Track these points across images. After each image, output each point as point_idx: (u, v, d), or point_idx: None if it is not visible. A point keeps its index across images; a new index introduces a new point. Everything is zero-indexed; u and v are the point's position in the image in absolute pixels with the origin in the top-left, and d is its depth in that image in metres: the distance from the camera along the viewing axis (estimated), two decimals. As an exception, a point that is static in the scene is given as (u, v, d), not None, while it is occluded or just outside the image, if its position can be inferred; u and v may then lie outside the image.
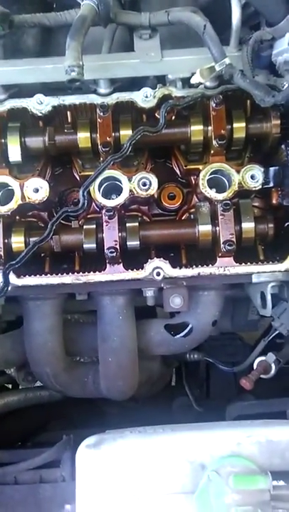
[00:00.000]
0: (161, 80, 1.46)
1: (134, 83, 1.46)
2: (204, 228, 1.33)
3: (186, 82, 1.41)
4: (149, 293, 1.47)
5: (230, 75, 1.28)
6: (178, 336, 1.57)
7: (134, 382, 1.60)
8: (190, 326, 1.55)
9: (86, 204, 1.30)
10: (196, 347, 1.80)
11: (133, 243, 1.33)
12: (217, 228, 1.33)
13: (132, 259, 1.37)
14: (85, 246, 1.34)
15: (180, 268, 1.34)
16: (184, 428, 1.06)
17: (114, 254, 1.30)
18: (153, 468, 0.94)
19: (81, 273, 1.34)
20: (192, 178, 1.45)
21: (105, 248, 1.31)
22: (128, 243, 1.33)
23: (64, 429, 1.99)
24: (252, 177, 1.35)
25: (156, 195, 1.44)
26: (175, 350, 1.62)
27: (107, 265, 1.34)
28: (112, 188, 1.38)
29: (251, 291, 1.59)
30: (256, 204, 1.49)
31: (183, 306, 1.45)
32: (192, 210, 1.45)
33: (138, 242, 1.33)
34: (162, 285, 1.43)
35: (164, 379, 2.02)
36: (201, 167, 1.37)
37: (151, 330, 1.60)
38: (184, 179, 1.49)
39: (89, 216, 1.45)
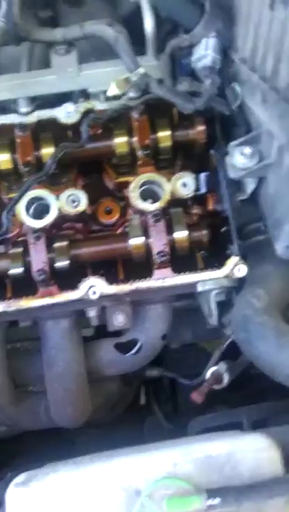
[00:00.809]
0: (86, 94, 1.44)
1: (60, 99, 1.44)
2: (135, 241, 1.30)
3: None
4: (92, 313, 1.42)
5: (146, 84, 1.26)
6: (128, 354, 1.52)
7: (86, 407, 1.53)
8: (139, 342, 1.50)
9: (7, 228, 1.25)
10: (157, 362, 1.75)
11: (62, 263, 1.28)
12: (150, 240, 1.29)
13: (69, 279, 1.32)
14: (12, 271, 1.29)
15: (117, 284, 1.30)
16: (121, 453, 1.00)
17: (44, 276, 1.25)
18: (86, 501, 0.88)
19: (12, 300, 1.28)
20: (125, 191, 1.42)
21: (33, 271, 1.26)
22: (57, 264, 1.28)
23: (29, 464, 1.91)
24: (184, 185, 1.32)
25: (89, 211, 1.40)
26: (127, 369, 1.56)
27: (39, 289, 1.29)
28: (45, 208, 1.34)
29: (201, 301, 1.55)
30: (196, 211, 1.47)
31: (126, 324, 1.40)
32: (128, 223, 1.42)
33: (67, 262, 1.29)
34: (103, 303, 1.39)
35: (125, 399, 1.95)
36: (131, 179, 1.34)
37: (100, 350, 1.54)
38: (119, 193, 1.46)
39: (19, 239, 1.41)
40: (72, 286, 1.30)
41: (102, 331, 1.60)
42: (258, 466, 0.91)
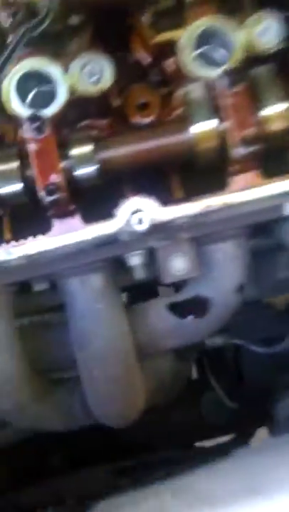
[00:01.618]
0: None
1: None
2: (202, 127, 0.80)
3: None
4: (134, 260, 0.94)
5: None
6: (189, 316, 1.05)
7: (139, 398, 1.08)
8: (205, 298, 1.03)
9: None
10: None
11: (87, 170, 0.80)
12: (225, 124, 0.79)
13: (95, 207, 0.84)
14: (3, 191, 0.81)
15: (175, 204, 0.81)
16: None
17: (58, 194, 0.76)
18: None
19: (12, 243, 0.81)
20: (167, 65, 0.91)
21: (39, 188, 0.78)
22: (77, 172, 0.80)
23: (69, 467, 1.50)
24: (264, 32, 0.81)
25: (115, 105, 0.90)
26: (191, 339, 1.10)
27: (54, 222, 0.81)
28: (49, 95, 0.84)
29: (284, 232, 1.06)
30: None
31: (191, 270, 0.92)
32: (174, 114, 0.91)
33: (95, 167, 0.80)
34: (151, 243, 0.91)
35: (181, 378, 1.50)
36: (179, 33, 0.83)
37: (149, 316, 1.07)
38: (157, 73, 0.94)
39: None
40: (97, 216, 0.83)
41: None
42: None
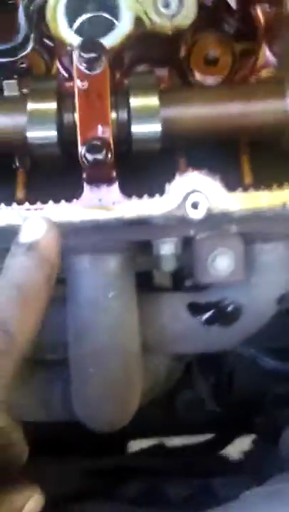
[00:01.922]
0: None
1: None
2: None
3: None
4: (167, 248, 0.76)
5: None
6: (212, 323, 0.88)
7: (135, 403, 0.92)
8: (237, 305, 0.86)
9: (28, 37, 0.56)
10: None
11: (146, 128, 0.60)
12: None
13: (135, 177, 0.65)
14: (32, 134, 0.60)
15: (245, 191, 0.62)
16: None
17: (102, 153, 0.56)
18: None
19: (27, 205, 0.61)
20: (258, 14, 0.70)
21: (79, 143, 0.58)
22: (134, 129, 0.60)
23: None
24: None
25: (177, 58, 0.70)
26: (207, 348, 0.93)
27: (86, 188, 0.62)
28: (103, 24, 0.63)
29: None
30: None
31: (236, 272, 0.75)
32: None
33: (157, 125, 0.60)
34: (193, 232, 0.73)
35: (173, 377, 1.35)
36: None
37: (163, 313, 0.90)
38: (240, 23, 0.73)
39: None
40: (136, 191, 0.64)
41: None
42: None
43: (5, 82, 0.60)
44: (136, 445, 2.16)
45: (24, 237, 0.48)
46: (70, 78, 0.67)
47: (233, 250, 0.74)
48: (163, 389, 1.29)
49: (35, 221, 0.48)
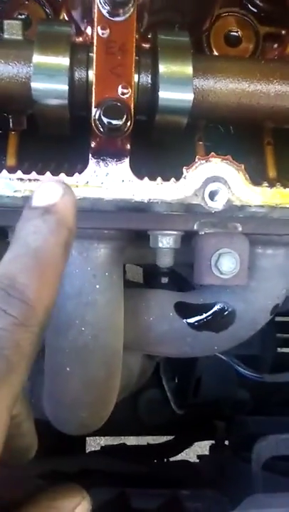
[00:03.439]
0: None
1: None
2: None
3: None
4: (166, 241, 0.68)
5: None
6: (203, 328, 0.81)
7: (112, 404, 0.84)
8: (231, 310, 0.80)
9: None
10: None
11: (176, 96, 0.52)
12: None
13: (147, 156, 0.56)
14: (37, 86, 0.50)
15: (270, 185, 0.55)
16: None
17: (122, 119, 0.47)
18: None
19: (19, 173, 0.51)
20: None
21: (93, 103, 0.48)
22: (163, 95, 0.51)
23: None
24: None
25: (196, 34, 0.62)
26: (192, 352, 0.87)
27: (91, 159, 0.52)
28: None
29: None
30: None
31: (239, 276, 0.68)
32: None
33: (190, 98, 0.52)
34: (196, 227, 0.65)
35: (145, 376, 1.29)
36: None
37: (151, 311, 0.83)
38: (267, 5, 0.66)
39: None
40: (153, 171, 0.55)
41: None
42: None
43: (6, 21, 0.50)
44: (93, 442, 2.09)
45: (38, 201, 0.41)
46: (79, 32, 0.57)
47: (238, 251, 0.67)
48: (136, 387, 1.23)
49: (50, 185, 0.40)
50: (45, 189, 0.41)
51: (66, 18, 0.61)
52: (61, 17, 0.61)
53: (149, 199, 0.53)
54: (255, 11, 0.71)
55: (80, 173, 0.52)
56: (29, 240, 0.40)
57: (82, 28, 0.55)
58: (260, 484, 1.00)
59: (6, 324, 0.38)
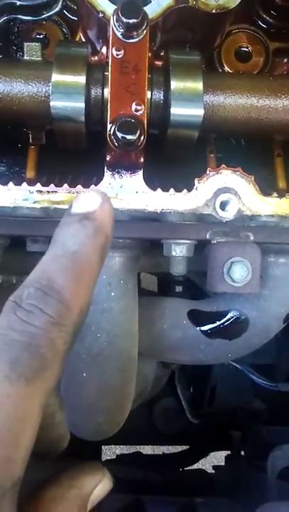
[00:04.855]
0: None
1: None
2: None
3: None
4: (180, 249, 0.70)
5: None
6: (216, 335, 0.83)
7: (127, 412, 0.85)
8: (244, 318, 0.81)
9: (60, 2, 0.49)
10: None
11: (188, 112, 0.54)
12: None
13: (160, 168, 0.58)
14: (56, 103, 0.53)
15: (279, 195, 0.57)
16: None
17: (136, 134, 0.50)
18: None
19: (39, 185, 0.54)
20: None
21: (108, 120, 0.51)
22: (175, 111, 0.54)
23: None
24: None
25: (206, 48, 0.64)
26: (206, 360, 0.88)
27: (106, 172, 0.55)
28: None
29: None
30: None
31: (251, 284, 0.70)
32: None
33: (201, 113, 0.54)
34: (209, 236, 0.67)
35: (160, 384, 1.30)
36: None
37: (165, 318, 0.84)
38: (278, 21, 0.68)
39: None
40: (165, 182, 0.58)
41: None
42: None
43: (26, 43, 0.54)
44: (109, 451, 2.09)
45: (78, 208, 0.43)
46: (95, 52, 0.60)
47: (250, 260, 0.69)
48: (151, 394, 1.24)
49: (89, 193, 0.43)
50: (85, 197, 0.43)
51: (82, 39, 0.64)
52: (77, 37, 0.64)
53: (162, 209, 0.56)
54: (265, 26, 0.73)
55: (96, 185, 0.54)
56: (67, 243, 0.42)
57: (98, 48, 0.58)
58: (276, 493, 1.00)
59: (42, 323, 0.39)
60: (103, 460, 1.68)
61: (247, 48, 0.72)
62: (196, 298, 0.91)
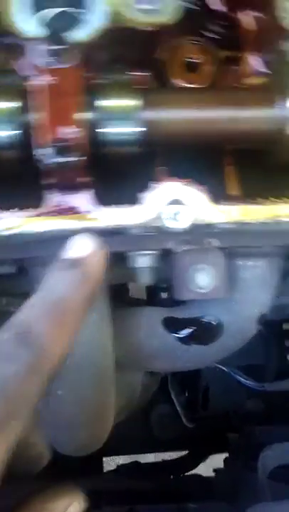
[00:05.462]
0: None
1: None
2: None
3: None
4: (143, 261, 0.71)
5: None
6: (192, 341, 0.83)
7: (108, 425, 0.86)
8: (217, 323, 0.81)
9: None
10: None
11: (123, 130, 0.55)
12: None
13: (110, 185, 0.59)
14: None
15: (233, 202, 0.58)
16: None
17: (70, 155, 0.51)
18: None
19: None
20: (246, 20, 0.67)
21: (43, 144, 0.52)
22: (109, 130, 0.55)
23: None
24: None
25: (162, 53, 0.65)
26: (184, 366, 0.88)
27: (53, 195, 0.56)
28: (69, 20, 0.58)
29: None
30: None
31: (217, 290, 0.71)
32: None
33: (135, 131, 0.55)
34: (171, 245, 0.68)
35: (148, 393, 1.30)
36: None
37: (139, 328, 0.85)
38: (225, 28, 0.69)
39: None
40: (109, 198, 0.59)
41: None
42: None
43: None
44: (112, 461, 2.09)
45: (68, 253, 0.43)
46: (26, 78, 0.61)
47: (214, 266, 0.69)
48: (139, 404, 1.24)
49: (81, 239, 0.43)
50: (76, 243, 0.44)
51: (14, 66, 0.64)
52: (10, 64, 0.64)
53: (114, 225, 0.56)
54: (212, 36, 0.74)
55: (40, 206, 0.55)
56: (53, 288, 0.42)
57: (31, 75, 0.59)
58: (268, 493, 1.00)
59: (15, 370, 0.38)
60: (105, 471, 1.68)
61: (196, 59, 0.72)
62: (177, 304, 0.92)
